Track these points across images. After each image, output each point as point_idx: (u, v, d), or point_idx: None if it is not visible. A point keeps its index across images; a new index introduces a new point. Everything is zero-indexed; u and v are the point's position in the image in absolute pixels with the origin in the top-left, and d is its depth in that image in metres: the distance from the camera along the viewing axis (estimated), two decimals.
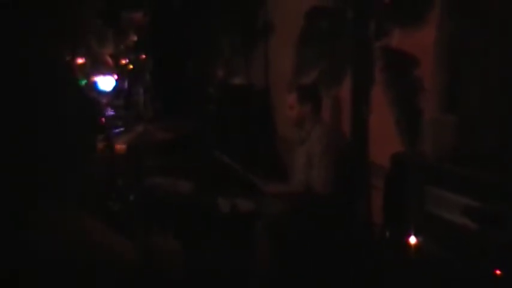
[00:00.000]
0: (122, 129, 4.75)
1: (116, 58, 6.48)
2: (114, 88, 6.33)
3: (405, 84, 3.61)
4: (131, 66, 6.53)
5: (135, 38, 6.48)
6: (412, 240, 3.04)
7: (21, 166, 1.16)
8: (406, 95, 3.58)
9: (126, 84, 6.46)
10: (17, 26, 1.25)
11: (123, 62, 6.53)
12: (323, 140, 4.20)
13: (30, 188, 1.17)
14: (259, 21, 6.20)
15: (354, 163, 4.01)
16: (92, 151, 1.39)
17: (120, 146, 4.44)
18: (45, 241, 1.21)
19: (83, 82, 5.72)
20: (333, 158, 4.15)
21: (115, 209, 3.68)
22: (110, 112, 6.12)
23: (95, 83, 6.21)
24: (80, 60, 5.84)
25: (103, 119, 5.62)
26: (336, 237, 4.00)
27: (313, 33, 4.28)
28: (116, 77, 6.35)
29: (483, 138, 3.14)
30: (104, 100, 6.18)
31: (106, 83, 6.25)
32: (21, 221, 1.17)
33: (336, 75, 4.19)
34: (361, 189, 3.97)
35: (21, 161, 1.16)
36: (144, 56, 6.54)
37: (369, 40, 3.85)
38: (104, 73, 6.23)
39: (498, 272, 2.63)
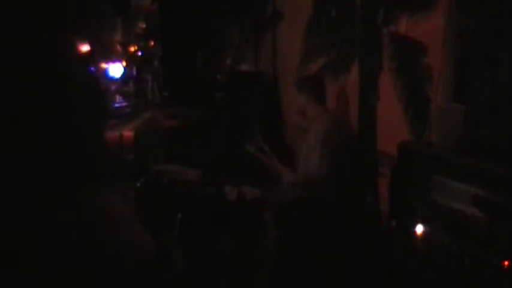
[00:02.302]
0: (130, 116, 4.76)
1: (125, 45, 6.48)
2: (123, 75, 6.34)
3: (413, 72, 3.58)
4: (140, 54, 6.53)
5: (144, 26, 6.48)
6: (419, 229, 3.03)
7: (36, 155, 1.17)
8: (414, 83, 3.55)
9: (134, 71, 6.47)
10: (26, 18, 1.25)
11: (132, 49, 6.54)
12: (322, 133, 4.19)
13: (50, 177, 1.18)
14: (268, 8, 6.17)
15: (361, 151, 3.99)
16: (101, 137, 1.39)
17: (128, 133, 4.45)
18: (72, 221, 1.22)
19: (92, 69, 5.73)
20: (331, 149, 4.13)
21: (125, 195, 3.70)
22: (119, 99, 6.13)
23: (104, 70, 6.22)
24: (89, 48, 5.84)
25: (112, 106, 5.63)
26: (342, 226, 4.00)
27: (322, 20, 4.25)
28: (124, 64, 6.35)
29: (490, 128, 3.12)
30: (113, 87, 6.19)
31: (115, 70, 6.26)
32: (50, 204, 1.18)
33: (344, 63, 4.15)
34: (369, 177, 3.95)
35: (34, 151, 1.16)
36: (152, 43, 6.54)
37: (377, 27, 3.82)
38: (113, 60, 6.24)
39: (506, 262, 2.62)
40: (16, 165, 1.18)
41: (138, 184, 4.03)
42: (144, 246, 1.40)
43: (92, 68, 5.66)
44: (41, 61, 1.24)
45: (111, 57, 6.26)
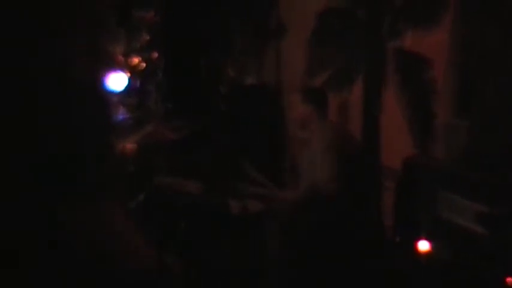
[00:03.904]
0: (133, 128, 4.75)
1: (128, 57, 6.48)
2: (126, 87, 6.33)
3: (418, 86, 3.58)
4: (143, 65, 6.53)
5: (147, 37, 6.48)
6: (423, 244, 3.01)
7: (35, 164, 1.16)
8: (418, 97, 3.55)
9: (137, 83, 6.46)
10: (28, 26, 1.24)
11: (135, 60, 6.53)
12: (325, 140, 4.16)
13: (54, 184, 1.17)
14: (272, 21, 6.18)
15: (364, 163, 3.98)
16: (107, 149, 1.38)
17: (130, 145, 4.45)
18: (70, 229, 1.21)
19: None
20: (336, 158, 4.10)
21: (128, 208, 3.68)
22: (122, 111, 6.12)
23: (107, 81, 6.20)
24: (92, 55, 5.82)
25: (115, 118, 5.62)
26: (346, 237, 3.98)
27: (326, 33, 4.25)
28: (128, 75, 6.35)
29: (496, 143, 3.11)
30: (116, 99, 6.19)
31: (117, 81, 6.26)
32: (52, 215, 1.17)
33: (348, 76, 4.16)
34: (372, 189, 3.94)
35: (32, 155, 1.16)
36: (156, 55, 6.54)
37: (381, 41, 3.83)
38: (116, 72, 6.23)
39: (510, 279, 2.60)
40: (13, 168, 1.16)
41: (141, 196, 4.01)
42: (144, 258, 1.39)
43: (101, 77, 5.65)
44: (40, 62, 1.23)
45: (114, 68, 6.26)
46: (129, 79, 6.25)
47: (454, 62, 3.54)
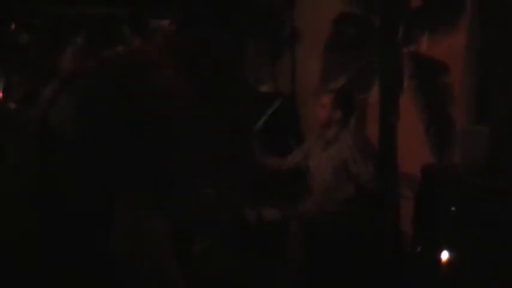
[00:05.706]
0: None
1: None
2: None
3: (434, 91, 3.53)
4: None
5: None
6: (444, 255, 2.96)
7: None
8: (435, 102, 3.50)
9: None
10: None
11: None
12: (355, 141, 4.11)
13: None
14: (286, 28, 6.14)
15: (382, 171, 3.93)
16: None
17: None
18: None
19: None
20: (367, 156, 4.04)
21: None
22: None
23: None
24: None
25: None
26: (365, 246, 3.93)
27: (341, 39, 4.22)
28: None
29: None
30: None
31: None
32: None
33: (364, 82, 4.11)
34: (390, 197, 3.89)
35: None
36: None
37: (397, 46, 3.78)
38: None
39: None
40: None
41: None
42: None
43: None
44: None
45: None
46: None
47: (472, 66, 3.48)
